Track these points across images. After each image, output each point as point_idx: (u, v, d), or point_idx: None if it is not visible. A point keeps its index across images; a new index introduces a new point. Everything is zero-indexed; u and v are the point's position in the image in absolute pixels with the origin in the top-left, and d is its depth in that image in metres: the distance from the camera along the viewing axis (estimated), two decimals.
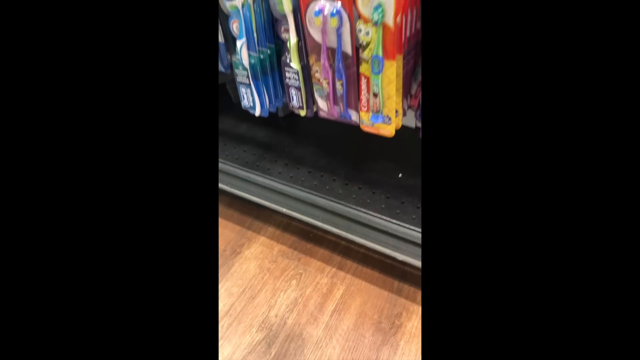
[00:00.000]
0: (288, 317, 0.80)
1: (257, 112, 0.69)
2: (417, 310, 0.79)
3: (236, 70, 0.64)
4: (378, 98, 0.56)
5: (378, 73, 0.53)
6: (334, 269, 0.88)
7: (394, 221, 0.68)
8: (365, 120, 0.61)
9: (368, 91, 0.57)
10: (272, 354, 0.74)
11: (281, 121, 0.93)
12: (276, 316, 0.80)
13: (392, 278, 0.84)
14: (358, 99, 0.60)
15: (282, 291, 0.85)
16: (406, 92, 0.62)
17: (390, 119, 0.60)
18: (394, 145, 0.82)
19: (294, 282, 0.86)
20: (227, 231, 0.98)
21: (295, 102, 0.67)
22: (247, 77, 0.64)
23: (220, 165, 0.83)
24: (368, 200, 0.73)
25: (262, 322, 0.80)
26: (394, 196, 0.73)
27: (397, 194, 0.73)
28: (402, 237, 0.68)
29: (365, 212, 0.70)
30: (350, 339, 0.75)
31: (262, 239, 0.96)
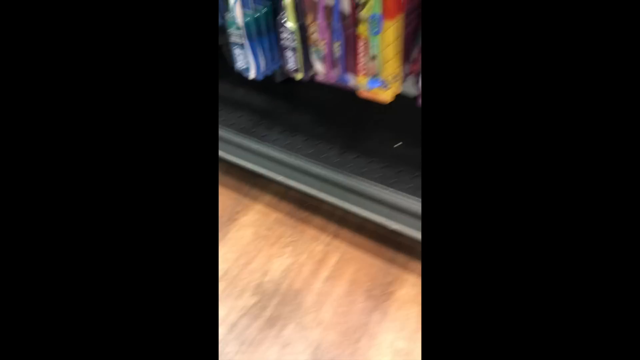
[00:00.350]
0: (282, 283, 0.81)
1: (252, 75, 0.67)
2: (409, 279, 0.80)
3: (229, 30, 0.62)
4: (376, 61, 0.54)
5: (376, 34, 0.51)
6: (329, 237, 0.88)
7: (390, 190, 0.68)
8: (362, 85, 0.59)
9: (365, 54, 0.55)
10: (266, 317, 0.76)
11: (278, 87, 0.90)
12: (270, 281, 0.82)
13: (386, 247, 0.85)
14: (356, 63, 0.58)
15: (276, 257, 0.86)
16: (406, 57, 0.59)
17: (387, 84, 0.58)
18: (392, 114, 0.80)
19: (289, 249, 0.87)
20: (224, 198, 0.98)
21: (291, 65, 0.65)
22: (241, 37, 0.61)
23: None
24: (364, 169, 0.72)
25: (257, 286, 0.81)
26: (390, 165, 0.72)
27: (393, 163, 0.72)
28: (397, 207, 0.68)
29: (361, 181, 0.70)
30: (343, 305, 0.77)
31: (259, 206, 0.96)
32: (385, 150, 0.75)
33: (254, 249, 0.88)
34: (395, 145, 0.76)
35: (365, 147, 0.76)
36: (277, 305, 0.78)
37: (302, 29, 0.60)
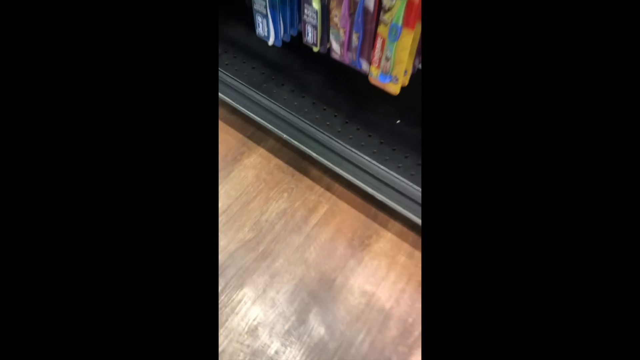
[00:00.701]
0: (276, 224, 0.94)
1: (271, 42, 0.69)
2: (385, 236, 0.94)
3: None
4: (390, 62, 0.58)
5: (394, 41, 0.54)
6: (322, 189, 0.99)
7: (381, 167, 0.76)
8: (374, 74, 0.63)
9: (382, 53, 0.58)
10: (260, 251, 0.90)
11: (294, 40, 0.91)
12: (266, 221, 0.94)
13: (371, 205, 0.97)
14: (371, 54, 0.60)
15: (274, 200, 0.97)
16: (419, 52, 0.62)
17: (398, 79, 0.62)
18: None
19: (285, 194, 0.98)
20: (230, 137, 1.05)
21: (310, 39, 0.67)
22: (265, 7, 0.62)
23: (229, 80, 0.85)
24: (362, 143, 0.79)
25: (254, 224, 0.94)
26: (387, 142, 0.79)
27: (390, 141, 0.79)
28: (385, 182, 0.77)
29: (358, 154, 0.77)
30: (325, 249, 0.91)
31: (262, 150, 1.04)
32: (386, 126, 0.81)
33: (254, 190, 0.98)
34: (396, 122, 0.81)
35: (368, 120, 0.82)
36: (270, 243, 0.92)
37: (325, 9, 0.61)
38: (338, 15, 0.59)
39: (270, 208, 0.96)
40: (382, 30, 0.54)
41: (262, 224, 0.94)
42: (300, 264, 0.89)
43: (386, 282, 0.88)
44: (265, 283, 0.87)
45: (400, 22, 0.51)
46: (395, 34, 0.52)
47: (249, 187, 0.99)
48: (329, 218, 0.95)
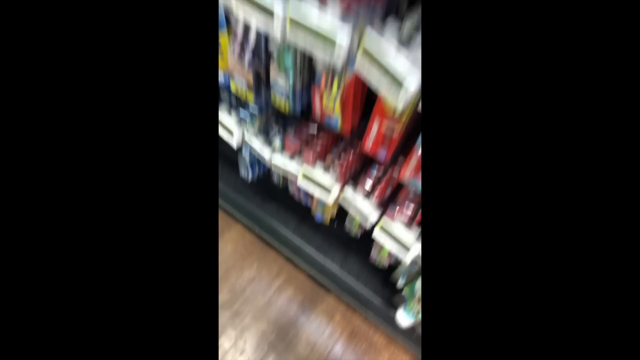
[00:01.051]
0: (247, 288, 1.26)
1: (249, 180, 1.03)
2: (328, 300, 1.27)
3: (242, 156, 0.96)
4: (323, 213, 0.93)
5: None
6: (283, 260, 1.32)
7: (323, 257, 1.10)
8: (314, 205, 0.98)
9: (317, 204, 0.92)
10: (234, 310, 1.22)
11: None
12: (240, 286, 1.26)
13: (320, 276, 1.31)
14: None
15: (246, 269, 1.29)
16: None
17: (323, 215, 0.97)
18: None
19: (255, 264, 1.30)
20: None
21: (275, 179, 1.01)
22: (247, 167, 0.97)
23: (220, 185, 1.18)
24: (311, 238, 1.13)
25: (230, 288, 1.25)
26: (328, 239, 1.14)
27: (331, 238, 1.14)
28: (326, 270, 1.11)
29: (308, 246, 1.11)
30: (283, 307, 1.24)
31: (238, 226, 1.36)
32: (327, 228, 1.16)
33: (231, 260, 1.30)
34: (334, 226, 1.17)
35: (315, 222, 1.16)
36: (242, 303, 1.23)
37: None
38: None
39: (243, 275, 1.28)
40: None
41: (236, 289, 1.25)
42: (263, 321, 1.21)
43: (325, 334, 1.21)
44: (237, 336, 1.18)
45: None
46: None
47: (227, 257, 1.31)
48: (287, 284, 1.28)
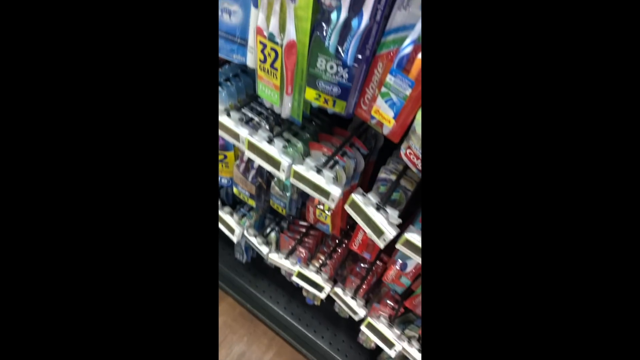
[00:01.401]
0: None
1: (243, 261, 1.10)
2: None
3: (236, 249, 1.05)
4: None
5: None
6: (272, 333, 1.37)
7: (311, 335, 1.17)
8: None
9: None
10: None
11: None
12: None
13: (306, 350, 1.35)
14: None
15: (236, 344, 1.33)
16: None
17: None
18: None
19: (245, 338, 1.34)
20: None
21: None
22: (242, 253, 1.05)
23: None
24: (300, 316, 1.20)
25: None
26: (316, 317, 1.21)
27: (319, 316, 1.21)
28: (311, 346, 1.17)
29: (297, 324, 1.18)
30: None
31: (229, 299, 1.41)
32: (315, 307, 1.23)
33: (221, 334, 1.34)
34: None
35: (303, 301, 1.24)
36: None
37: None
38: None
39: (233, 350, 1.31)
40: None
41: None
42: None
43: None
44: None
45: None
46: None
47: (218, 331, 1.34)
48: (276, 357, 1.32)
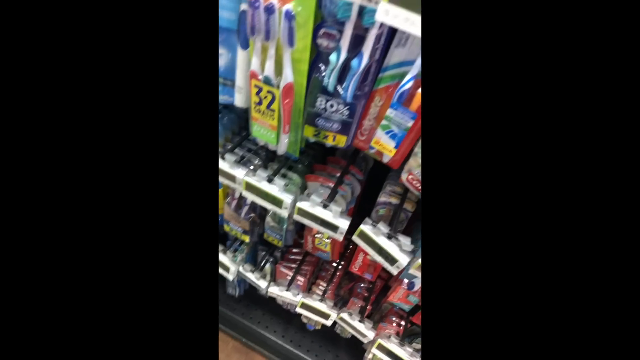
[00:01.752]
0: None
1: (236, 295, 1.06)
2: None
3: (227, 285, 1.01)
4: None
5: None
6: None
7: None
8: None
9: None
10: None
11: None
12: None
13: None
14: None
15: None
16: None
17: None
18: None
19: None
20: None
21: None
22: (235, 286, 1.01)
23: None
24: (299, 342, 1.18)
25: None
26: (315, 341, 1.19)
27: (318, 340, 1.20)
28: None
29: (294, 351, 1.16)
30: None
31: (220, 334, 1.35)
32: (311, 332, 1.22)
33: None
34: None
35: (302, 326, 1.22)
36: None
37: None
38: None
39: None
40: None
41: None
42: None
43: None
44: None
45: None
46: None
47: None
48: None
